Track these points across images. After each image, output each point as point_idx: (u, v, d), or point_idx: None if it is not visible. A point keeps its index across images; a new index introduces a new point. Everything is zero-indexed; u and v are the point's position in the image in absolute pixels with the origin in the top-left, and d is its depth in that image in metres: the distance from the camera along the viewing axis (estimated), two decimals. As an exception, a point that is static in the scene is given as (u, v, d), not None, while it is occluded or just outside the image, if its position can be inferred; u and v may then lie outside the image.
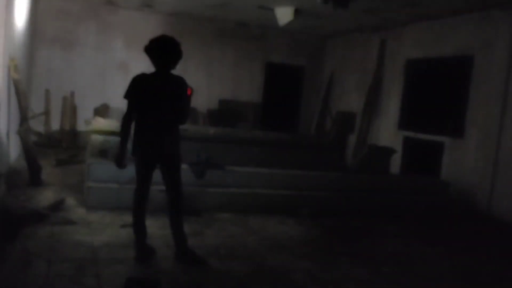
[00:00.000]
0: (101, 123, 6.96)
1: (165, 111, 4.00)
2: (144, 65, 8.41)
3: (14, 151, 7.23)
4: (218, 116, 11.02)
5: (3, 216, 4.36)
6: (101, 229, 4.82)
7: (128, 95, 4.02)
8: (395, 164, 8.97)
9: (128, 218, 5.25)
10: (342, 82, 11.25)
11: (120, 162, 4.04)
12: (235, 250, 4.59)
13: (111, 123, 6.96)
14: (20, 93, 6.61)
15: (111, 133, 6.29)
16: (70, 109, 9.72)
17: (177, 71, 4.10)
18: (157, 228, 5.02)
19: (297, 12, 8.83)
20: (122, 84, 10.12)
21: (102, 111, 9.69)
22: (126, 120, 4.03)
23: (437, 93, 8.61)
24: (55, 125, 9.70)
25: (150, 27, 9.87)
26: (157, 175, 6.54)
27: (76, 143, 9.63)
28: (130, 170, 4.18)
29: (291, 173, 6.90)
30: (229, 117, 10.96)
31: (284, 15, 8.95)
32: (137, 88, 4.00)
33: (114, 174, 5.55)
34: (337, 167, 7.68)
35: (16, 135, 6.63)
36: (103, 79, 10.21)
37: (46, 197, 5.74)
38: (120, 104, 9.51)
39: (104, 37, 10.25)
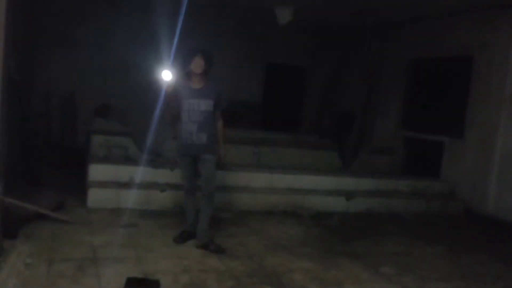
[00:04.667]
0: None
1: None
2: (144, 65, 8.35)
3: (13, 151, 7.21)
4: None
5: (3, 216, 4.36)
6: (101, 229, 4.83)
7: None
8: (395, 164, 8.97)
9: (128, 218, 5.27)
10: (342, 82, 11.25)
11: None
12: (235, 250, 4.60)
13: None
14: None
15: None
16: (70, 109, 9.71)
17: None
18: (158, 227, 5.04)
19: (297, 11, 8.82)
20: (122, 84, 10.13)
21: (102, 111, 9.66)
22: None
23: (437, 93, 8.61)
24: (55, 126, 9.69)
25: (150, 27, 9.85)
26: (158, 177, 6.50)
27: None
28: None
29: (291, 173, 6.90)
30: (229, 117, 10.94)
31: (284, 14, 8.93)
32: None
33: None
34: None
35: (16, 135, 6.61)
36: (103, 79, 10.18)
37: (46, 197, 5.73)
38: (120, 104, 9.55)
39: (105, 36, 10.23)
